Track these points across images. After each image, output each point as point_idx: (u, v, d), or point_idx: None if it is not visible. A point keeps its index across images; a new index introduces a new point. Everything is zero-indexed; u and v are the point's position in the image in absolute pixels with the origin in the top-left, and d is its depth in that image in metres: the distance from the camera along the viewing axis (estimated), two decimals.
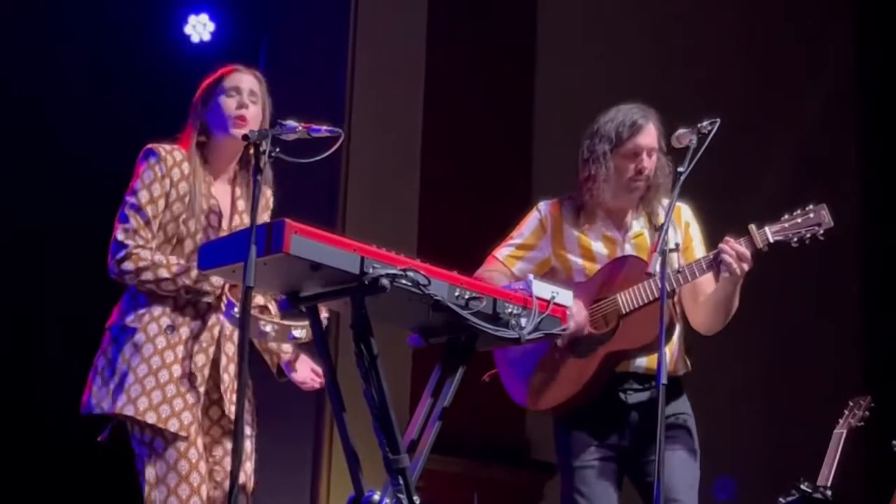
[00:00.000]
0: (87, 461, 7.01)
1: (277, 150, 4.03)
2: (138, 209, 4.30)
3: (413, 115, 8.19)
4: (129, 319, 4.29)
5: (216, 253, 3.90)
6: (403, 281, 3.73)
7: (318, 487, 7.47)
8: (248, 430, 4.39)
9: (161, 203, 4.32)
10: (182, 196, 4.34)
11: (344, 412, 3.94)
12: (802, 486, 5.58)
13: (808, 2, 9.23)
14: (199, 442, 4.27)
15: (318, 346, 4.07)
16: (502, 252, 4.80)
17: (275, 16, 7.93)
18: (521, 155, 8.64)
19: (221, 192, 4.45)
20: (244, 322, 3.83)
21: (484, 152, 8.40)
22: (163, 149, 4.37)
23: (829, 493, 5.58)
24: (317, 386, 4.46)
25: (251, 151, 4.11)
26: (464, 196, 8.22)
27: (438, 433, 3.99)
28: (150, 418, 4.20)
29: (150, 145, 4.39)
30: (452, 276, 3.91)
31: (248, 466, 4.38)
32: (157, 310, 4.29)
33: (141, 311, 4.29)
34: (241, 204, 4.45)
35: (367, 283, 3.70)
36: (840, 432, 5.73)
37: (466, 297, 3.89)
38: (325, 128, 4.12)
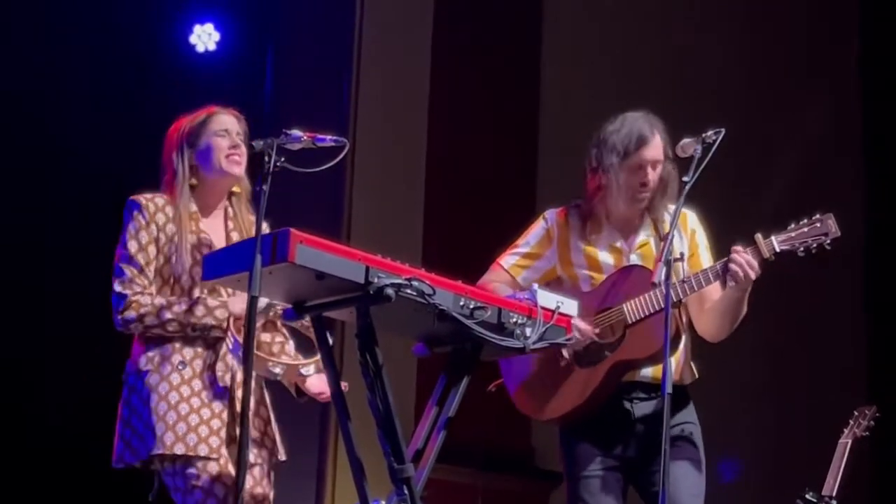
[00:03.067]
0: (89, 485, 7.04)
1: (283, 159, 4.04)
2: (130, 259, 4.37)
3: (418, 125, 8.20)
4: (142, 364, 4.35)
5: (221, 262, 3.92)
6: (408, 290, 3.74)
7: (323, 497, 7.46)
8: (264, 468, 4.42)
9: (151, 249, 4.38)
10: (171, 237, 4.39)
11: (349, 421, 3.95)
12: (808, 497, 5.58)
13: (811, 10, 9.23)
14: (231, 467, 4.29)
15: (323, 356, 4.08)
16: (507, 260, 4.79)
17: (280, 25, 7.94)
18: (526, 163, 8.64)
19: (213, 226, 4.49)
20: (249, 332, 3.84)
21: (489, 161, 8.41)
22: (144, 198, 4.44)
23: (834, 503, 5.58)
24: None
25: (260, 160, 4.13)
26: (469, 205, 8.23)
27: (443, 442, 3.99)
28: (179, 449, 4.23)
29: (131, 197, 4.45)
30: (457, 286, 3.91)
31: None
32: (167, 349, 4.34)
33: (151, 354, 4.34)
34: (235, 236, 4.49)
35: (372, 292, 3.71)
36: (845, 442, 5.72)
37: (471, 306, 3.89)
38: (330, 137, 4.14)
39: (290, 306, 3.96)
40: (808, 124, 8.97)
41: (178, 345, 4.33)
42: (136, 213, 4.40)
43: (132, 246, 4.37)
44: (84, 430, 6.84)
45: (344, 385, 4.20)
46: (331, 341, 4.22)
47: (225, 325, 4.32)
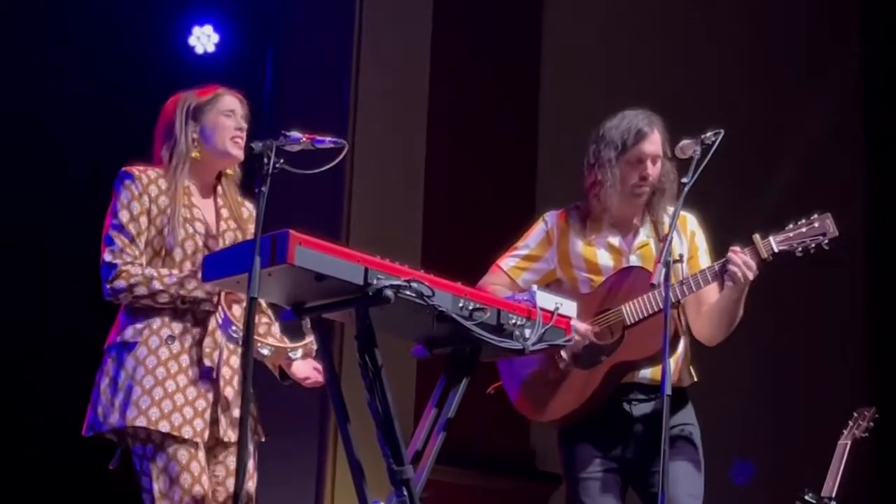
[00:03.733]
0: (88, 483, 7.03)
1: (282, 161, 4.04)
2: (121, 228, 4.33)
3: (417, 126, 8.20)
4: (129, 335, 4.31)
5: (220, 264, 3.91)
6: (407, 292, 3.73)
7: (323, 498, 7.46)
8: (249, 448, 4.39)
9: (143, 220, 4.35)
10: (163, 209, 4.37)
11: (348, 423, 3.94)
12: (807, 497, 5.58)
13: (813, 11, 9.23)
14: (202, 456, 4.28)
15: (322, 358, 4.07)
16: (507, 262, 4.79)
17: (279, 27, 7.95)
18: (526, 164, 8.64)
19: (204, 202, 4.48)
20: (249, 335, 3.84)
21: (488, 161, 8.40)
22: (137, 169, 4.42)
23: None
24: (321, 380, 4.41)
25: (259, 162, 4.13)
26: (468, 206, 8.22)
27: (443, 444, 3.99)
28: (164, 427, 4.21)
29: (123, 168, 4.43)
30: (456, 287, 3.91)
31: (251, 485, 4.38)
32: (155, 322, 4.31)
33: (139, 326, 4.31)
34: (225, 212, 4.48)
35: (371, 294, 3.71)
36: (844, 443, 5.72)
37: (470, 307, 3.89)
38: (329, 139, 4.13)
39: (288, 308, 3.96)
40: (809, 125, 8.97)
41: (167, 318, 4.30)
42: (128, 183, 4.37)
43: (123, 216, 4.33)
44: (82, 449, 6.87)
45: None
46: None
47: (215, 299, 4.29)
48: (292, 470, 7.06)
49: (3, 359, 7.03)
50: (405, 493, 3.85)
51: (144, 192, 4.36)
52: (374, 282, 3.71)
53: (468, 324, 3.86)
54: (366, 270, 3.73)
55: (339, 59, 7.90)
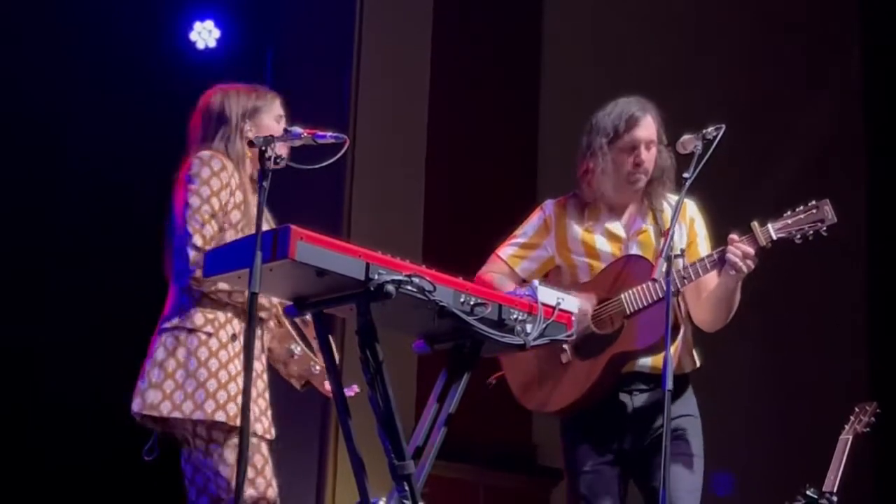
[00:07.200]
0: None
1: (283, 156, 4.03)
2: (214, 215, 4.29)
3: (418, 121, 8.20)
4: (200, 323, 4.27)
5: (222, 259, 3.91)
6: (409, 287, 3.74)
7: (324, 494, 7.47)
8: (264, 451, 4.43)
9: (231, 211, 4.32)
10: (238, 204, 4.34)
11: (349, 418, 3.95)
12: (808, 493, 5.58)
13: (813, 11, 9.22)
14: (265, 448, 4.31)
15: (324, 353, 4.08)
16: (506, 251, 4.78)
17: (280, 22, 7.95)
18: (527, 161, 8.64)
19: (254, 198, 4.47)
20: (250, 332, 3.84)
21: (489, 157, 8.41)
22: (218, 157, 4.35)
23: (835, 499, 5.58)
24: (351, 395, 4.38)
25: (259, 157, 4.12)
26: (469, 203, 8.23)
27: (444, 439, 3.99)
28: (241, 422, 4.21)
29: (206, 151, 4.35)
30: (458, 282, 3.91)
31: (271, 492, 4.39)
32: (222, 316, 4.30)
33: (210, 316, 4.28)
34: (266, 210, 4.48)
35: (372, 289, 3.71)
36: (846, 438, 5.72)
37: (472, 303, 3.89)
38: (330, 134, 4.13)
39: (290, 303, 3.96)
40: (811, 125, 8.96)
41: (230, 314, 4.30)
42: (217, 169, 4.31)
43: (214, 203, 4.29)
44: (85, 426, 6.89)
45: (353, 390, 4.22)
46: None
47: (274, 311, 4.36)
48: (293, 465, 7.06)
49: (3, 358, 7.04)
50: (406, 488, 3.85)
51: (228, 183, 4.33)
52: (376, 277, 3.71)
53: (469, 319, 3.86)
54: (367, 265, 3.73)
55: (340, 54, 7.90)
